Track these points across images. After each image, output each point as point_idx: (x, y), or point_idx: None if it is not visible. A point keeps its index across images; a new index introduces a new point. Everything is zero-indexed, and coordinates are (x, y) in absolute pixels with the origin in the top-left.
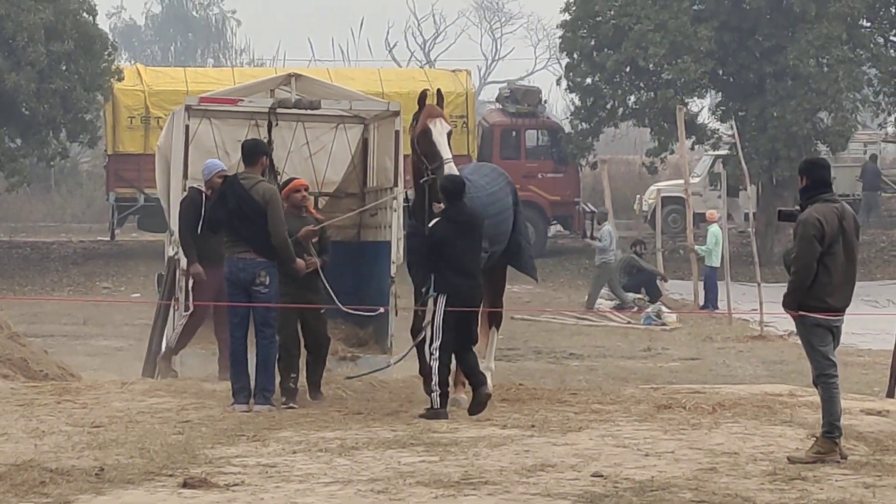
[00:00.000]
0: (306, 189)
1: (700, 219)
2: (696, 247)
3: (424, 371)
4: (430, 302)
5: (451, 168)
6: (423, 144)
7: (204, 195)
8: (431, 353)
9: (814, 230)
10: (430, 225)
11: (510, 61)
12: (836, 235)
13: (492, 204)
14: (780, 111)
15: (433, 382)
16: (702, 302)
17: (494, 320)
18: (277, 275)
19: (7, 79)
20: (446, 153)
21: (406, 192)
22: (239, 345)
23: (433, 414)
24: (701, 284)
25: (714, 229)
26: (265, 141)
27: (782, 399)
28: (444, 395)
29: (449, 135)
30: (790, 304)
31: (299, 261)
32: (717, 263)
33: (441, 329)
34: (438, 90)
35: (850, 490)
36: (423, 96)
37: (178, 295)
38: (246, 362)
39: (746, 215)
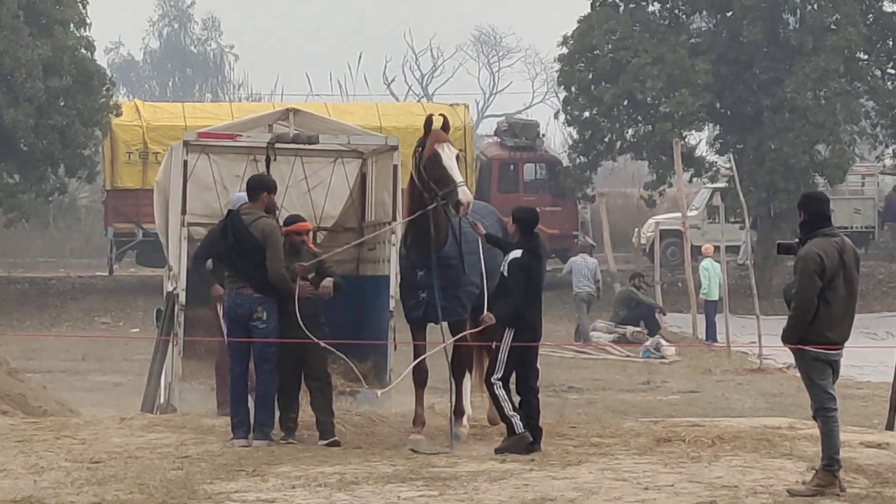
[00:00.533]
0: (307, 233)
1: (698, 252)
2: (702, 293)
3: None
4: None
5: (464, 192)
6: (433, 169)
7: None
8: (493, 384)
9: (814, 265)
10: (515, 257)
11: (508, 95)
12: (836, 270)
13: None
14: (777, 144)
15: (507, 409)
16: (702, 335)
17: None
18: (276, 311)
19: (5, 114)
20: (458, 176)
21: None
22: (238, 380)
23: (518, 440)
24: (701, 318)
25: (705, 263)
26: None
27: (782, 432)
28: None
29: (457, 159)
30: (790, 338)
31: (302, 284)
32: (713, 297)
33: (504, 363)
34: (444, 116)
35: None
36: (428, 121)
37: (176, 330)
38: (245, 397)
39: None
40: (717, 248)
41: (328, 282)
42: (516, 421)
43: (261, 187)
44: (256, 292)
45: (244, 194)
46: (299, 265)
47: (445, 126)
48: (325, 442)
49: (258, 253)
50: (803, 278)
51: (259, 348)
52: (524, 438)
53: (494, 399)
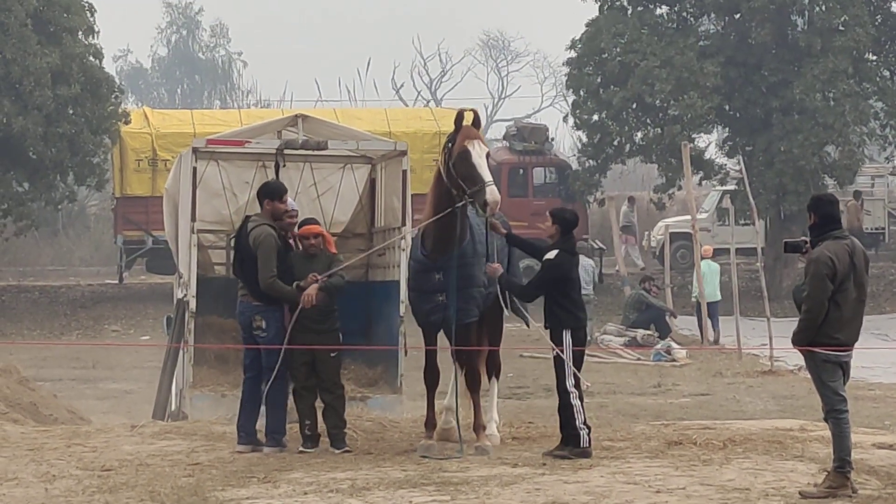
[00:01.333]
0: (315, 236)
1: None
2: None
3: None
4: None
5: (492, 191)
6: (462, 166)
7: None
8: (570, 392)
9: (826, 269)
10: (549, 257)
11: (517, 99)
12: (847, 272)
13: (493, 243)
14: (787, 145)
15: (579, 421)
16: (709, 337)
17: (494, 369)
18: (278, 319)
19: (14, 123)
20: (487, 176)
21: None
22: (248, 386)
23: (581, 453)
24: (709, 322)
25: (703, 265)
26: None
27: (793, 434)
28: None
29: (487, 156)
30: (800, 340)
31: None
32: (714, 298)
33: (571, 367)
34: (475, 111)
35: None
36: (459, 116)
37: (187, 337)
38: (255, 403)
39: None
40: (716, 251)
41: (312, 289)
42: (584, 434)
43: (263, 195)
44: (255, 300)
45: (291, 201)
46: (312, 276)
47: (476, 122)
48: (338, 451)
49: (253, 261)
50: (815, 281)
51: (264, 356)
52: (587, 453)
53: (568, 409)
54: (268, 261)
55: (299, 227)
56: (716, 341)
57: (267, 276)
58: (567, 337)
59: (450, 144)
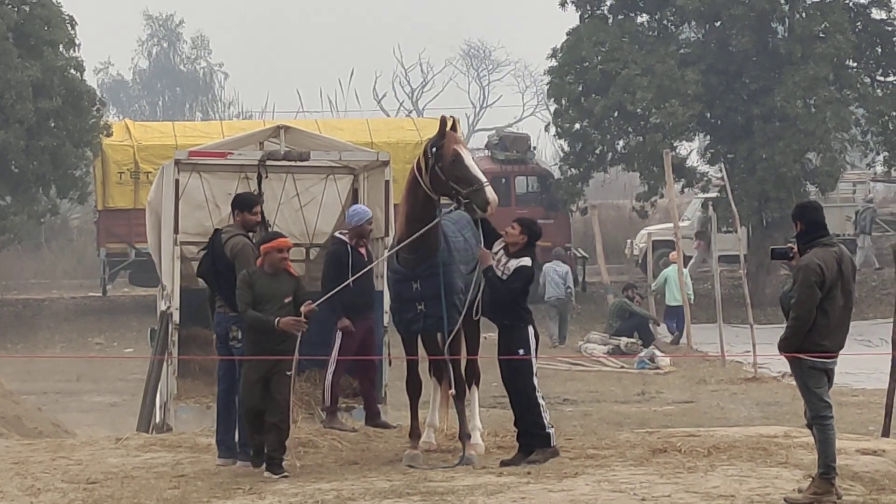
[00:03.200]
0: (285, 250)
1: (688, 261)
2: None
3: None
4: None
5: (491, 192)
6: (456, 169)
7: (348, 245)
8: (537, 390)
9: (815, 276)
10: (526, 264)
11: (498, 108)
12: (835, 280)
13: (467, 250)
14: (768, 153)
15: (546, 420)
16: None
17: (473, 377)
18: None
19: None
20: (482, 176)
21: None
22: (221, 398)
23: (552, 453)
24: (694, 328)
25: (668, 270)
26: (254, 193)
27: (777, 440)
28: None
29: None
30: (787, 347)
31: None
32: (674, 302)
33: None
34: (454, 118)
35: None
36: (443, 122)
37: (171, 349)
38: (230, 415)
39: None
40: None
41: (288, 320)
42: (553, 433)
43: (233, 206)
44: (232, 311)
45: (361, 206)
46: (307, 307)
47: (454, 129)
48: (276, 476)
49: (231, 272)
50: (803, 288)
51: (238, 367)
52: (557, 452)
53: (535, 408)
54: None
55: (266, 242)
56: (675, 342)
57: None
58: (531, 332)
59: (433, 149)
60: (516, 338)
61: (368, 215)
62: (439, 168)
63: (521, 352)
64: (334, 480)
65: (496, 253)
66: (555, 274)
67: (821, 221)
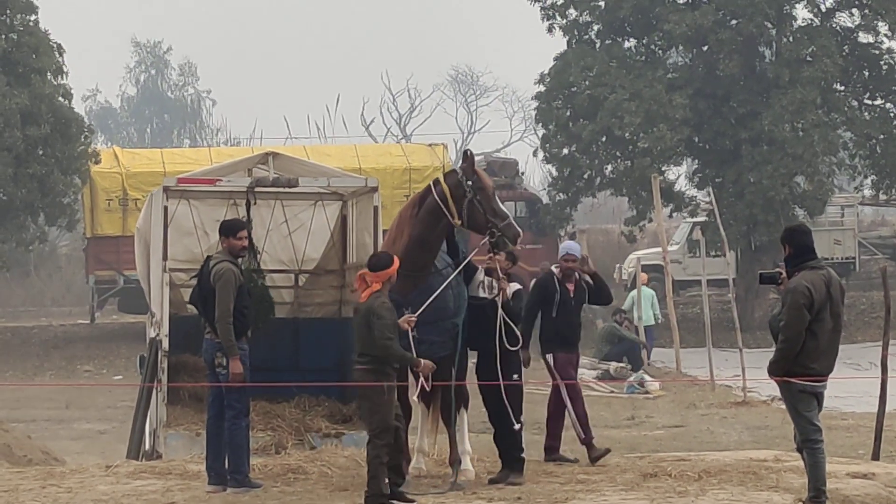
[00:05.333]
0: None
1: (680, 286)
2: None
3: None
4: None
5: (516, 227)
6: (495, 203)
7: (556, 278)
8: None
9: (803, 299)
10: (518, 289)
11: (486, 134)
12: (824, 303)
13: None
14: (756, 177)
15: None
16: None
17: (462, 401)
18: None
19: None
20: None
21: None
22: (210, 424)
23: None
24: (683, 353)
25: (632, 293)
26: (243, 220)
27: (768, 464)
28: None
29: None
30: (777, 370)
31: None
32: (648, 322)
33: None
34: (466, 151)
35: None
36: (472, 156)
37: (160, 376)
38: (219, 442)
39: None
40: (688, 283)
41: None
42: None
43: (220, 232)
44: (217, 338)
45: (570, 243)
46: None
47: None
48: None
49: (213, 297)
50: (792, 311)
51: (225, 394)
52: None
53: (520, 434)
54: (226, 297)
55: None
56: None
57: (224, 313)
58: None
59: (469, 182)
60: (513, 362)
61: (567, 251)
62: (478, 201)
63: (516, 377)
64: None
65: (482, 282)
66: None
67: (809, 245)
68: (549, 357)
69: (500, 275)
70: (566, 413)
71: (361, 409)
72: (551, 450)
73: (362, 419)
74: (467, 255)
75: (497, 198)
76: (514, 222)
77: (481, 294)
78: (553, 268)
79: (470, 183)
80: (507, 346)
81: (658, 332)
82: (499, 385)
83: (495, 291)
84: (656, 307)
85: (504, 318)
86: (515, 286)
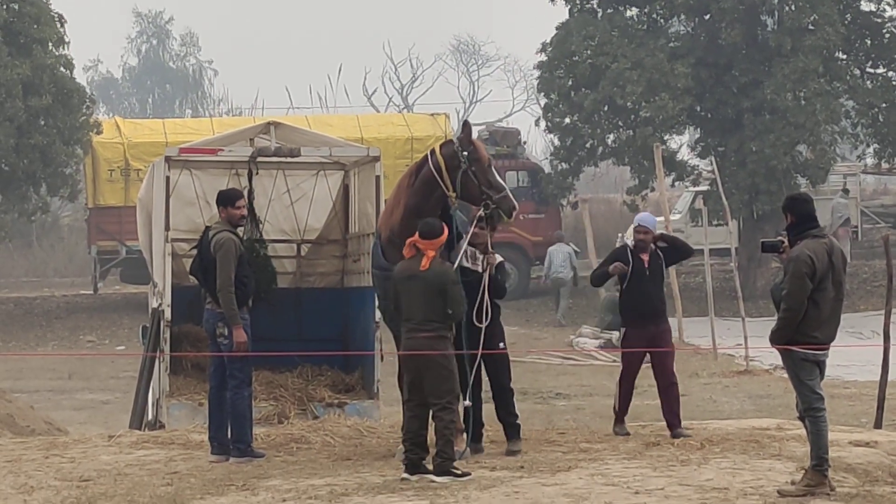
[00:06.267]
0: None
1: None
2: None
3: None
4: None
5: (513, 199)
6: (486, 174)
7: (629, 249)
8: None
9: (805, 268)
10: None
11: (488, 103)
12: (826, 271)
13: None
14: (758, 146)
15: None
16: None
17: None
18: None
19: None
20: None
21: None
22: (212, 395)
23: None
24: (685, 322)
25: None
26: (244, 189)
27: (770, 433)
28: None
29: None
30: (779, 339)
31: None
32: None
33: None
34: (465, 121)
35: None
36: (469, 127)
37: (163, 346)
38: (221, 412)
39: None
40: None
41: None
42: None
43: (218, 202)
44: (218, 308)
45: (645, 214)
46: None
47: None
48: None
49: (214, 267)
50: (794, 280)
51: (227, 364)
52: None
53: (512, 399)
54: (226, 266)
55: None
56: None
57: (226, 283)
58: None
59: (465, 153)
60: (496, 332)
61: (639, 223)
62: (473, 172)
63: (502, 345)
64: (327, 476)
65: (464, 251)
66: (559, 255)
67: (811, 213)
68: (622, 331)
69: (490, 249)
70: (633, 387)
71: (423, 377)
72: (617, 420)
73: (423, 389)
74: (467, 226)
75: (494, 169)
76: (510, 195)
77: (465, 263)
78: (627, 240)
79: (466, 154)
80: (475, 322)
81: None
82: (481, 354)
83: (479, 262)
84: None
85: (486, 290)
86: (498, 258)
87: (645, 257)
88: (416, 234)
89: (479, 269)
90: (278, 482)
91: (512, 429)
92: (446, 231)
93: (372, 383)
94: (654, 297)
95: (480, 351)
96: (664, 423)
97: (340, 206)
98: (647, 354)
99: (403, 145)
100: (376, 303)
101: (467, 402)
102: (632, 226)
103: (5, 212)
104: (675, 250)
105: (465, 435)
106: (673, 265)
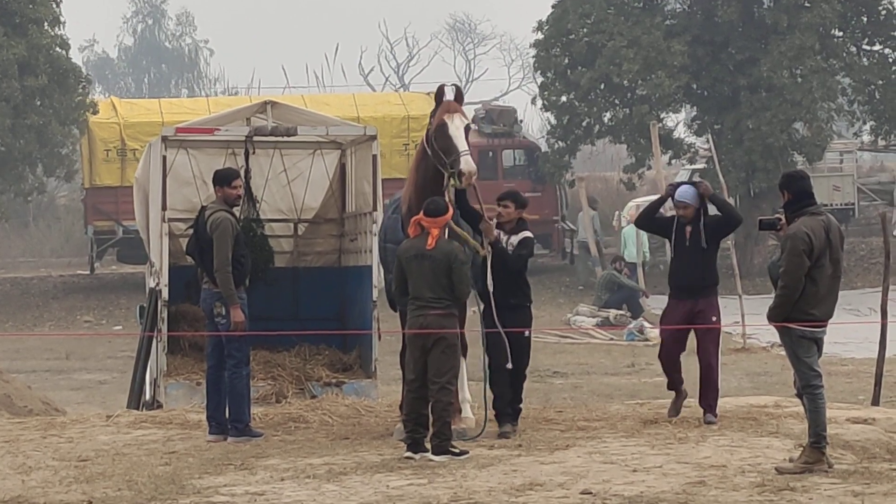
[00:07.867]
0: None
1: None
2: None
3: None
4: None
5: (467, 161)
6: (440, 140)
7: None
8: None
9: (803, 245)
10: (530, 236)
11: (484, 82)
12: (823, 248)
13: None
14: (755, 123)
15: None
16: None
17: (462, 348)
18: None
19: None
20: (462, 145)
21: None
22: (210, 374)
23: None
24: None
25: (627, 229)
26: (241, 169)
27: (768, 410)
28: None
29: (467, 129)
30: (776, 316)
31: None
32: (632, 258)
33: None
34: (457, 86)
35: (839, 499)
36: (440, 91)
37: (160, 326)
38: (219, 392)
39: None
40: None
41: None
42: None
43: (214, 182)
44: (215, 287)
45: (685, 188)
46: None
47: (459, 96)
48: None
49: (211, 246)
50: (792, 257)
51: (225, 343)
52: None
53: (522, 385)
54: (223, 246)
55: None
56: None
57: (223, 263)
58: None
59: (431, 119)
60: (523, 317)
61: (678, 198)
62: (432, 137)
63: (527, 333)
64: (326, 455)
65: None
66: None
67: (808, 190)
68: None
69: (486, 218)
70: (674, 362)
71: (429, 353)
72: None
73: (426, 367)
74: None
75: (451, 133)
76: (464, 158)
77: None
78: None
79: (432, 119)
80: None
81: (657, 279)
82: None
83: (504, 241)
84: (645, 244)
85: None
86: (522, 234)
87: (688, 229)
88: (422, 212)
89: (507, 248)
90: (276, 461)
91: (514, 412)
92: (451, 210)
93: (370, 362)
94: (694, 272)
95: (502, 329)
96: (662, 400)
97: (337, 186)
98: (692, 330)
99: (400, 124)
100: (374, 281)
101: (509, 365)
102: (669, 199)
103: (1, 192)
104: (723, 223)
105: (461, 414)
106: (723, 238)
